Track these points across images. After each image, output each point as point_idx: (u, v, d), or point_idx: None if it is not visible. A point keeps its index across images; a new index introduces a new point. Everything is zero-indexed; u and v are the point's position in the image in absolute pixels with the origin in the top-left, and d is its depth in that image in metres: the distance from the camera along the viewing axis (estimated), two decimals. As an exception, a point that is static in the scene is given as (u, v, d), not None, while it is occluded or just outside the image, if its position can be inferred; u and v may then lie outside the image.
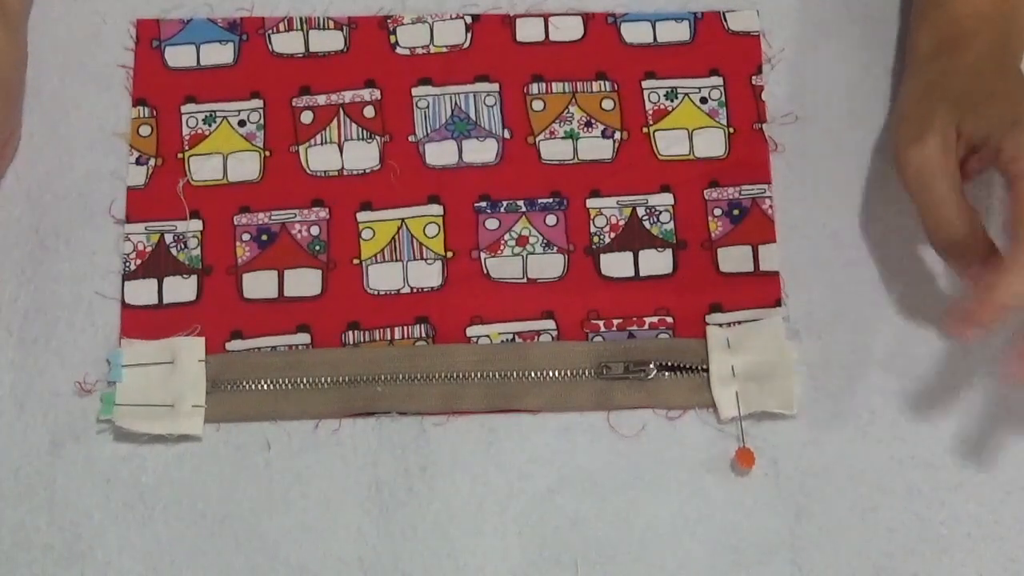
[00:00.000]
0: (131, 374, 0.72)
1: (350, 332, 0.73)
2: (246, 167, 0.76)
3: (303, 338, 0.73)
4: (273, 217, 0.75)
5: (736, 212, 0.75)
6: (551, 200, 0.76)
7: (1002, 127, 0.68)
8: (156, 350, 0.72)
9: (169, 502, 0.70)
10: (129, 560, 0.69)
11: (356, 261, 0.74)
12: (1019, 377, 0.66)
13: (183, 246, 0.74)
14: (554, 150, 0.77)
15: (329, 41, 0.78)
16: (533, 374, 0.72)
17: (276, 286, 0.74)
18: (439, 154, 0.76)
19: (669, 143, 0.77)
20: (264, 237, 0.75)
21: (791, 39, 0.79)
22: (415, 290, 0.74)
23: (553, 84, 0.78)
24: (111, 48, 0.78)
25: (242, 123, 0.77)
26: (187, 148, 0.76)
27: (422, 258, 0.74)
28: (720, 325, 0.73)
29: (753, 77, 0.78)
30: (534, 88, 0.78)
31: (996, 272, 0.65)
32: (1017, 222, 0.66)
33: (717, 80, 0.78)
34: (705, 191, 0.76)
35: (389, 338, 0.73)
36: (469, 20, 0.79)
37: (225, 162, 0.76)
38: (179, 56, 0.78)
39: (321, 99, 0.77)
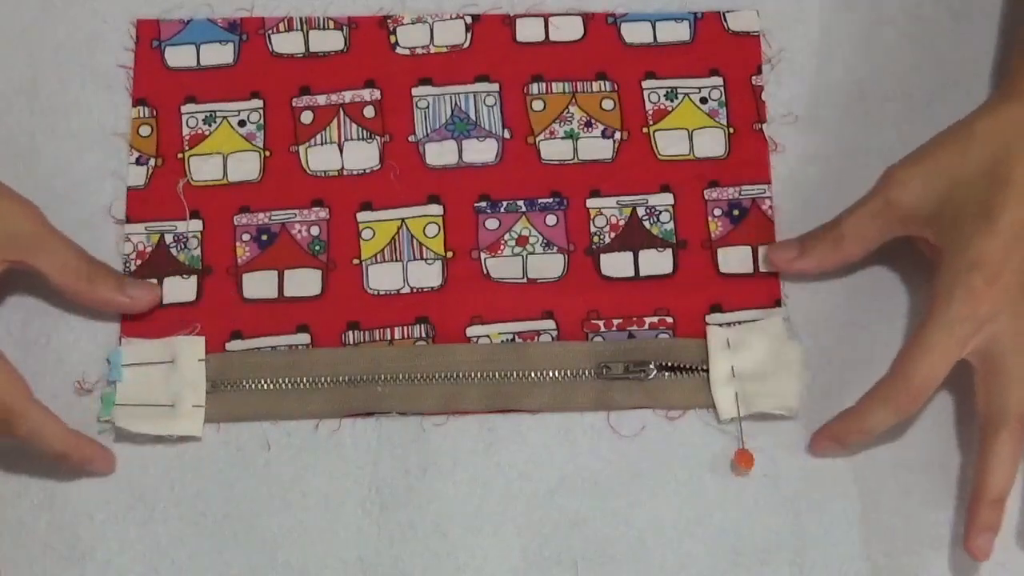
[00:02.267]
0: (131, 374, 0.72)
1: (350, 332, 0.73)
2: (246, 167, 0.76)
3: (303, 338, 0.73)
4: (273, 217, 0.75)
5: (736, 212, 0.75)
6: (551, 200, 0.76)
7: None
8: (156, 350, 0.72)
9: (169, 502, 0.70)
10: (129, 560, 0.69)
11: (356, 261, 0.74)
12: (826, 452, 0.70)
13: (183, 246, 0.74)
14: (554, 150, 0.76)
15: (329, 41, 0.78)
16: (533, 374, 0.72)
17: (276, 286, 0.74)
18: (439, 154, 0.76)
19: (669, 143, 0.77)
20: (264, 237, 0.75)
21: (791, 39, 0.79)
22: (415, 290, 0.74)
23: (553, 84, 0.78)
24: (111, 48, 0.78)
25: (242, 123, 0.77)
26: (187, 148, 0.76)
27: (422, 258, 0.74)
28: (720, 325, 0.73)
29: (753, 77, 0.78)
30: (534, 88, 0.78)
31: (863, 400, 0.69)
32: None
33: (717, 80, 0.78)
34: (705, 191, 0.76)
35: (389, 338, 0.73)
36: (469, 20, 0.79)
37: (225, 162, 0.76)
38: (179, 56, 0.78)
39: (321, 99, 0.77)
